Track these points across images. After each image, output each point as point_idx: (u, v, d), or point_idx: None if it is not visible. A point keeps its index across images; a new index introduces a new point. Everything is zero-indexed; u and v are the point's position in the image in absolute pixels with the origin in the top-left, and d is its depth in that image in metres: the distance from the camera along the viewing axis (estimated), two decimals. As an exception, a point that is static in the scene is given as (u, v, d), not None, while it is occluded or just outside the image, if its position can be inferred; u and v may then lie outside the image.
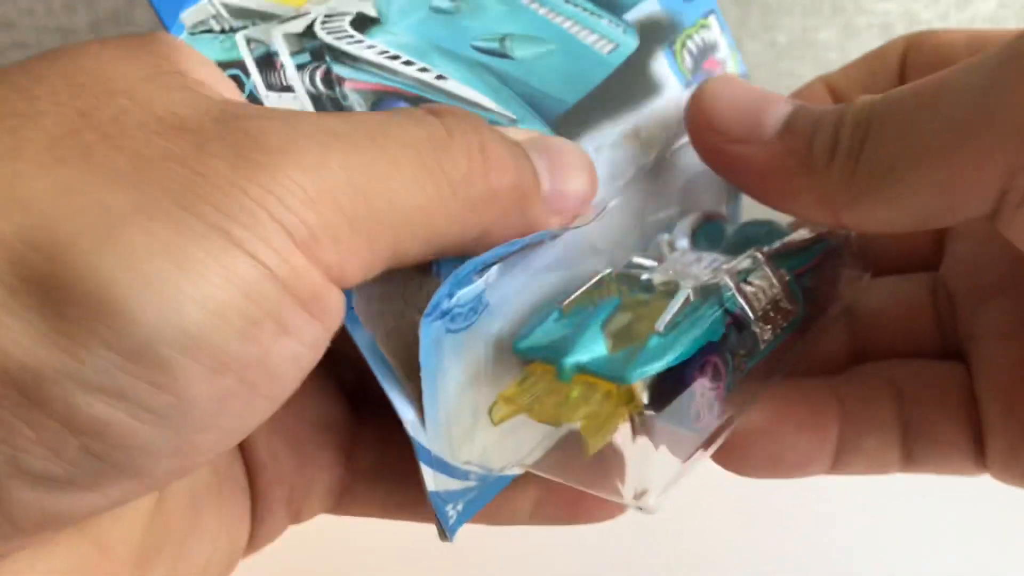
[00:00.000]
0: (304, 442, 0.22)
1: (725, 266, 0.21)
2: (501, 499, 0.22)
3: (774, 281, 0.21)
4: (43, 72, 0.15)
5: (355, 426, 0.23)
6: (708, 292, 0.20)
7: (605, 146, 0.22)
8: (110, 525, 0.18)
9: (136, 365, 0.14)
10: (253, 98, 0.19)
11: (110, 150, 0.15)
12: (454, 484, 0.20)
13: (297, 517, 0.23)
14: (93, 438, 0.14)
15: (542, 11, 0.22)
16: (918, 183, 0.18)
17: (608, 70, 0.22)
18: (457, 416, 0.19)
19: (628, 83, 0.22)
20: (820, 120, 0.19)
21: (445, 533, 0.20)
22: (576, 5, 0.22)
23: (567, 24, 0.22)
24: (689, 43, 0.24)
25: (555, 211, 0.19)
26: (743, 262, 0.21)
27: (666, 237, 0.23)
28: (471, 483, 0.20)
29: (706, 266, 0.21)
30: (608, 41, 0.22)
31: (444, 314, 0.18)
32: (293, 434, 0.22)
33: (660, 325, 0.19)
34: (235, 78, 0.18)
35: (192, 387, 0.14)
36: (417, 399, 0.19)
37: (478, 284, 0.19)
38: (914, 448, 0.22)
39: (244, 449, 0.21)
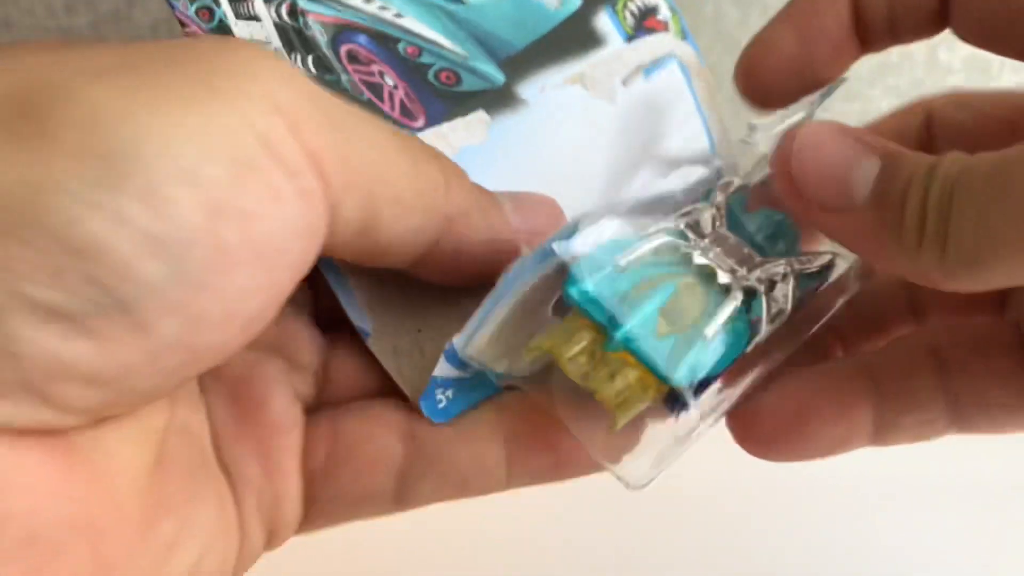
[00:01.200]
0: (270, 447, 0.21)
1: (760, 270, 0.21)
2: (470, 462, 0.21)
3: (790, 296, 0.21)
4: None
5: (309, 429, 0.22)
6: (747, 295, 0.21)
7: (549, 86, 0.23)
8: (116, 451, 0.17)
9: (130, 182, 0.14)
10: (223, 26, 0.19)
11: (97, 45, 0.16)
12: (451, 372, 0.21)
13: (274, 539, 0.21)
14: (92, 262, 0.14)
15: None
16: (1002, 272, 0.17)
17: (553, 23, 0.23)
18: (500, 329, 0.20)
19: (572, 35, 0.24)
20: (910, 185, 0.19)
21: (422, 409, 0.21)
22: None
23: None
24: (631, 5, 0.25)
25: (517, 214, 0.21)
26: (776, 268, 0.22)
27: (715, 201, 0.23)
28: (465, 374, 0.21)
29: (740, 259, 0.22)
30: None
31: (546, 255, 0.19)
32: (258, 438, 0.21)
33: (710, 332, 0.20)
34: (206, 8, 0.19)
35: (188, 217, 0.14)
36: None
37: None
38: (964, 415, 0.22)
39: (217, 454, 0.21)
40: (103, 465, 0.17)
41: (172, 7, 0.19)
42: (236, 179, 0.15)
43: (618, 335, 0.19)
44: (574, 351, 0.19)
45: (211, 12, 0.19)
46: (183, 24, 0.19)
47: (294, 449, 0.21)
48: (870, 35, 0.24)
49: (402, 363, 0.21)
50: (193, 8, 0.19)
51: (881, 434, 0.22)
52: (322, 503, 0.21)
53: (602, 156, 0.24)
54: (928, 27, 0.23)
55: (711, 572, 0.35)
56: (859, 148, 0.20)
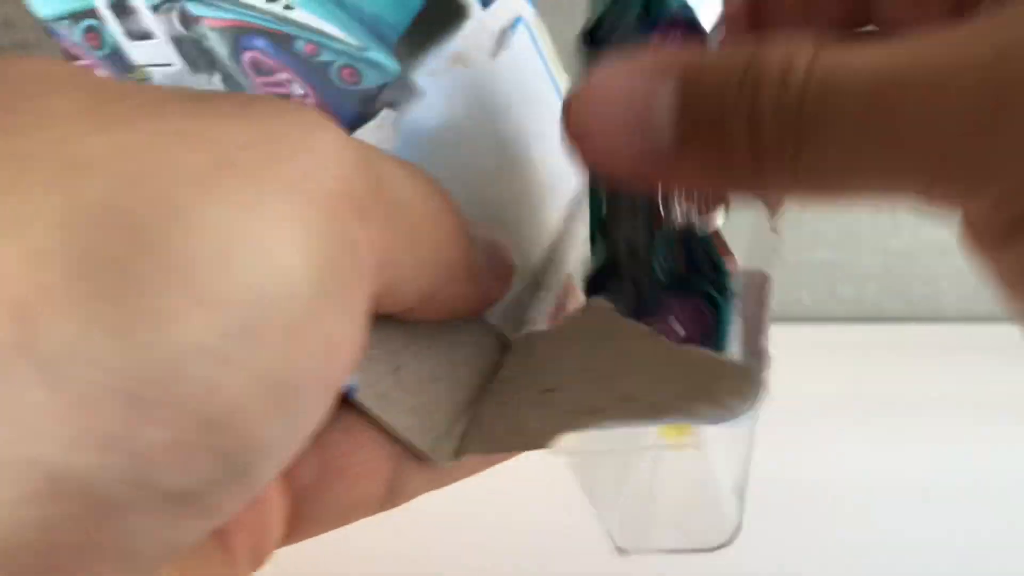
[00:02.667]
0: None
1: None
2: None
3: None
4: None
5: None
6: None
7: (439, 71, 0.22)
8: None
9: (270, 329, 0.12)
10: (116, 51, 0.18)
11: (149, 115, 0.13)
12: None
13: (258, 561, 0.20)
14: (224, 433, 0.12)
15: None
16: (868, 195, 0.14)
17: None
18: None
19: (440, 10, 0.23)
20: (724, 103, 0.15)
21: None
22: None
23: None
24: None
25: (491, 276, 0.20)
26: None
27: None
28: None
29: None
30: None
31: None
32: None
33: None
34: (91, 28, 0.17)
35: (310, 361, 0.13)
36: None
37: None
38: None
39: None
40: None
41: (55, 35, 0.17)
42: (341, 307, 0.13)
43: None
44: None
45: (99, 36, 0.17)
46: (73, 57, 0.17)
47: None
48: None
49: (394, 410, 0.19)
50: (79, 31, 0.17)
51: None
52: (311, 518, 0.20)
53: (498, 137, 0.23)
54: None
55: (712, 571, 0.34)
56: (648, 72, 0.15)
